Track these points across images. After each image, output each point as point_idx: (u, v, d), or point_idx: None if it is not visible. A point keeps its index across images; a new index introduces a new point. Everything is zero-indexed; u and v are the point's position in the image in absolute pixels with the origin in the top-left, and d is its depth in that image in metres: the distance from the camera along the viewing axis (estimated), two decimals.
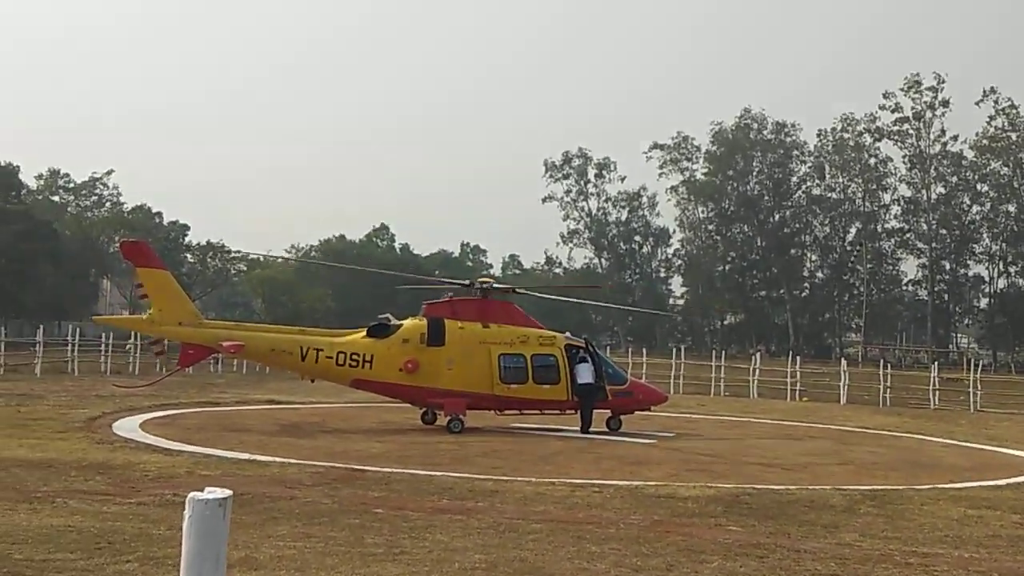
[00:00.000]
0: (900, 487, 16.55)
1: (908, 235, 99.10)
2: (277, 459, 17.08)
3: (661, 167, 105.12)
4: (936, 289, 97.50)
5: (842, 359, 54.77)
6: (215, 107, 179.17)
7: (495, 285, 27.84)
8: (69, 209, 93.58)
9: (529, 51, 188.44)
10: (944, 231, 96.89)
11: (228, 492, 4.39)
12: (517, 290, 30.14)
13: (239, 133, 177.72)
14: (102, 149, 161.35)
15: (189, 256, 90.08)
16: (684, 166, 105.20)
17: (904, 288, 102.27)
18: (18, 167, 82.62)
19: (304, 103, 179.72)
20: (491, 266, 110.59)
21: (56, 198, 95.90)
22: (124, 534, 10.39)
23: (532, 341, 24.95)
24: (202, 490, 4.34)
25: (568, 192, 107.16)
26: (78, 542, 9.96)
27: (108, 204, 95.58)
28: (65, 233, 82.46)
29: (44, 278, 74.48)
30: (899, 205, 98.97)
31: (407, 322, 25.05)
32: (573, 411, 24.79)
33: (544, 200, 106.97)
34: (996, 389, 44.92)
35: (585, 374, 24.58)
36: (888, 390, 42.30)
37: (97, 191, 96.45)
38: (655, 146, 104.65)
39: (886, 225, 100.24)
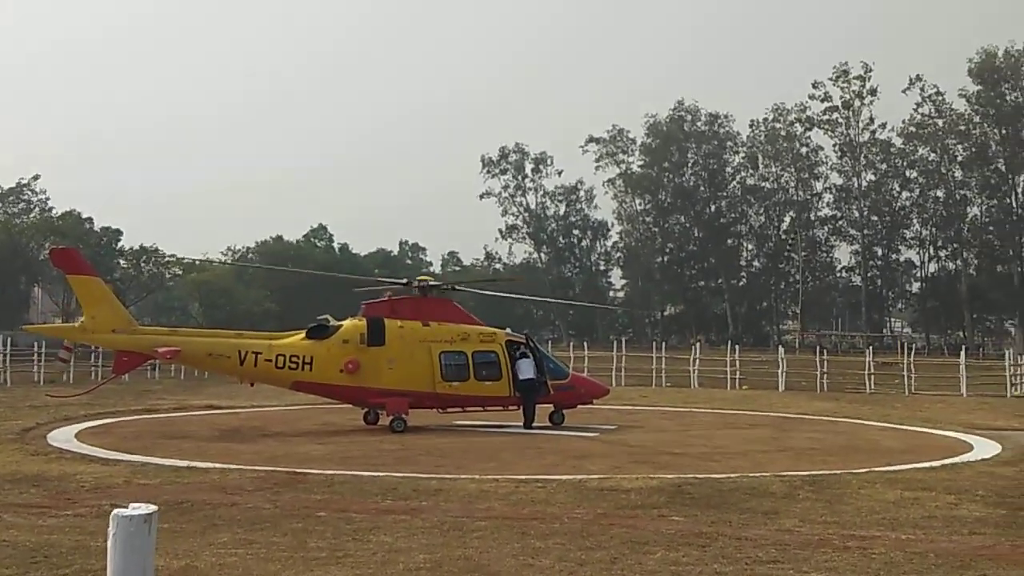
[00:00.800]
0: (838, 471, 16.82)
1: (841, 222, 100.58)
2: (217, 465, 16.88)
3: (597, 160, 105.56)
4: (869, 275, 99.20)
5: (780, 346, 55.54)
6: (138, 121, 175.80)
7: (433, 283, 27.78)
8: None
9: (461, 49, 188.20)
10: (875, 217, 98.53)
11: (153, 508, 4.33)
12: (456, 287, 30.12)
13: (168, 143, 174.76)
14: (29, 156, 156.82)
15: (122, 261, 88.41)
16: (620, 159, 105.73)
17: (839, 275, 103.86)
18: None
19: (241, 104, 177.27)
20: (431, 264, 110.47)
21: None
22: (61, 547, 10.20)
23: (473, 338, 24.95)
24: (126, 506, 4.27)
25: (506, 187, 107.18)
26: (13, 556, 9.76)
27: (37, 210, 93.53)
28: None
29: None
30: (831, 193, 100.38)
31: (346, 323, 24.91)
32: (516, 407, 24.85)
33: (482, 196, 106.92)
34: (930, 372, 45.92)
35: (527, 370, 24.67)
36: (825, 376, 43.04)
37: (25, 197, 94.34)
38: (591, 139, 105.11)
39: (819, 213, 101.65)
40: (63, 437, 21.14)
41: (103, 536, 10.46)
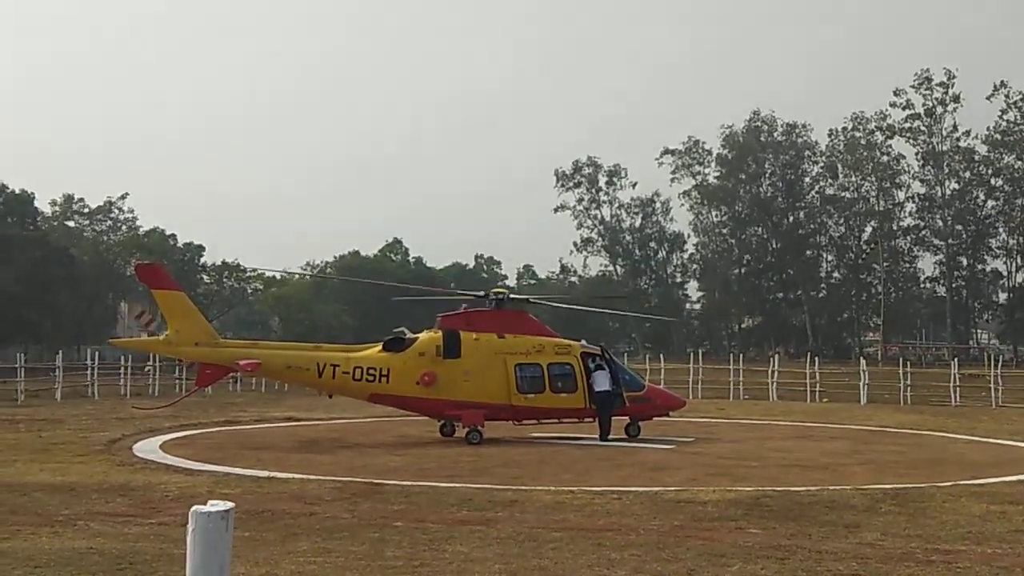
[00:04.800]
0: (922, 485, 16.46)
1: (924, 232, 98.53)
2: (297, 475, 17.14)
3: (673, 172, 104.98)
4: (954, 285, 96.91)
5: (861, 359, 54.51)
6: (218, 131, 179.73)
7: (510, 296, 27.86)
8: (85, 234, 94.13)
9: (538, 61, 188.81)
10: (959, 227, 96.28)
11: (230, 504, 4.48)
12: (532, 300, 30.17)
13: (244, 153, 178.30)
14: (111, 174, 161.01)
15: (205, 277, 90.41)
16: (696, 170, 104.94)
17: (922, 286, 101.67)
18: (33, 194, 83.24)
19: (311, 120, 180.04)
20: (506, 277, 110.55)
21: (71, 223, 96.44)
22: (146, 555, 10.45)
23: (548, 350, 24.95)
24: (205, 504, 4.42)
25: (580, 200, 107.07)
26: (100, 564, 10.02)
27: (124, 228, 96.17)
28: (82, 258, 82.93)
29: (62, 303, 74.93)
30: (913, 202, 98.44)
31: (422, 335, 25.10)
32: (591, 419, 24.77)
33: (556, 210, 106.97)
34: (1018, 384, 44.56)
35: (602, 381, 24.57)
36: (908, 388, 42.09)
37: (112, 215, 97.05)
38: (666, 151, 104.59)
39: (901, 223, 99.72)
40: (148, 448, 21.64)
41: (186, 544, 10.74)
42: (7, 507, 13.58)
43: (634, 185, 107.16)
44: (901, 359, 50.14)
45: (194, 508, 4.47)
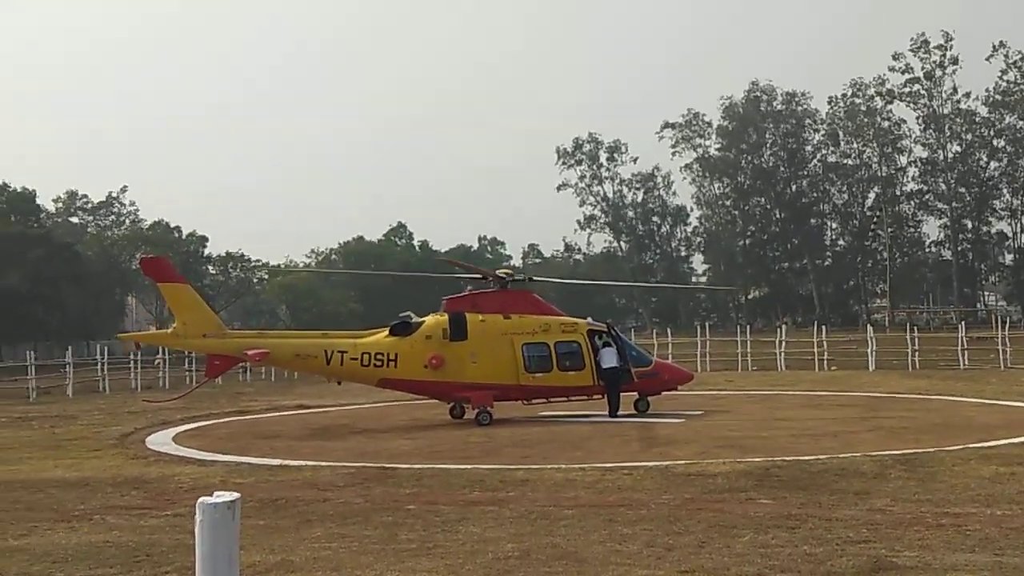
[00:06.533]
0: (931, 449, 16.51)
1: (927, 196, 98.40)
2: (309, 463, 17.23)
3: (674, 146, 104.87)
4: (960, 248, 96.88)
5: (869, 325, 54.59)
6: (215, 118, 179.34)
7: (512, 276, 27.89)
8: (89, 229, 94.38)
9: (533, 38, 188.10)
10: (963, 190, 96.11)
11: (236, 495, 4.56)
12: (533, 279, 30.21)
13: (241, 141, 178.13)
14: (108, 165, 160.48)
15: (210, 268, 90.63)
16: (697, 143, 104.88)
17: (927, 250, 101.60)
18: (35, 191, 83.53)
19: (307, 106, 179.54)
20: (510, 257, 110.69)
21: (75, 219, 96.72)
22: (162, 546, 10.55)
23: (554, 329, 25.00)
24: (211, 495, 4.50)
25: (582, 178, 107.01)
26: (117, 557, 10.12)
27: (127, 222, 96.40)
28: (87, 254, 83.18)
29: (69, 299, 75.20)
30: (916, 167, 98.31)
31: (429, 319, 25.15)
32: (600, 396, 24.85)
33: (559, 188, 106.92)
34: None
35: (610, 358, 24.63)
36: (916, 353, 42.14)
37: (115, 210, 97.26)
38: (666, 125, 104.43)
39: (904, 188, 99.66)
40: (161, 440, 21.77)
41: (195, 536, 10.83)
42: (23, 504, 13.69)
43: (635, 160, 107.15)
44: (908, 324, 50.25)
45: (201, 499, 4.56)
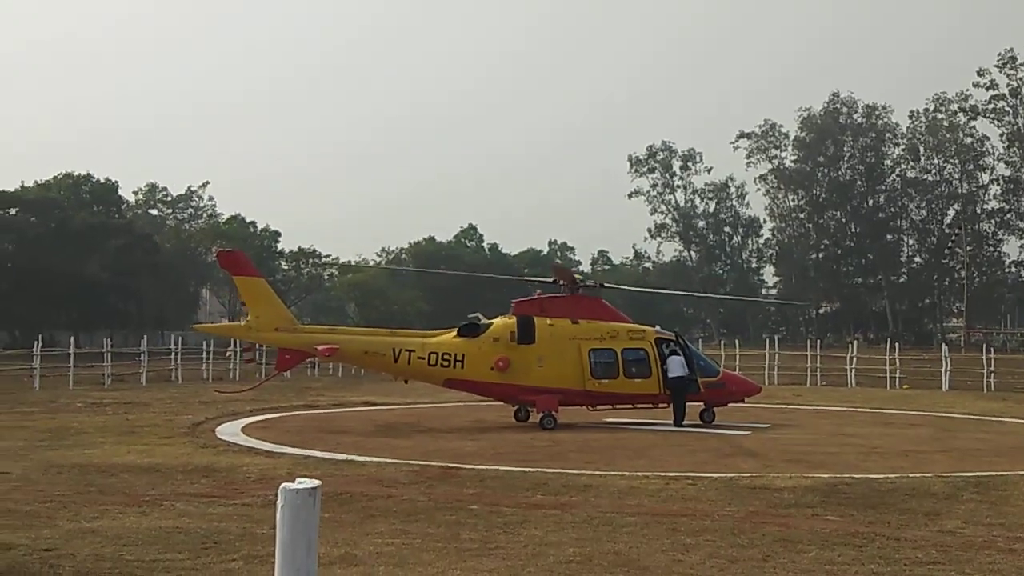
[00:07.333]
0: (1005, 473, 16.13)
1: (1009, 215, 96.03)
2: (374, 459, 17.39)
3: (748, 156, 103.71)
4: None
5: (943, 345, 53.41)
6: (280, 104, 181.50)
7: (582, 281, 27.84)
8: (168, 222, 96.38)
9: (611, 45, 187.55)
10: None
11: (317, 482, 4.61)
12: (605, 285, 30.11)
13: (309, 126, 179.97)
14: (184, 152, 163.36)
15: (283, 263, 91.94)
16: (772, 154, 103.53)
17: (1007, 270, 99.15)
18: (117, 183, 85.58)
19: (374, 104, 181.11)
20: (580, 263, 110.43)
21: (155, 211, 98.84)
22: (229, 534, 10.73)
23: (622, 336, 24.90)
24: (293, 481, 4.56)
25: (654, 186, 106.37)
26: (185, 543, 10.32)
27: (204, 215, 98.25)
28: (165, 246, 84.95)
29: (146, 290, 76.88)
30: (998, 185, 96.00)
31: (497, 321, 25.22)
32: (665, 405, 24.70)
33: (630, 195, 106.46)
34: None
35: (676, 367, 24.46)
36: (992, 375, 41.15)
37: (193, 203, 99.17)
38: (742, 135, 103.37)
39: (985, 206, 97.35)
40: (230, 431, 22.12)
41: (269, 524, 10.97)
42: (96, 487, 14.03)
43: (709, 170, 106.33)
44: (985, 345, 49.02)
45: (283, 485, 4.62)
